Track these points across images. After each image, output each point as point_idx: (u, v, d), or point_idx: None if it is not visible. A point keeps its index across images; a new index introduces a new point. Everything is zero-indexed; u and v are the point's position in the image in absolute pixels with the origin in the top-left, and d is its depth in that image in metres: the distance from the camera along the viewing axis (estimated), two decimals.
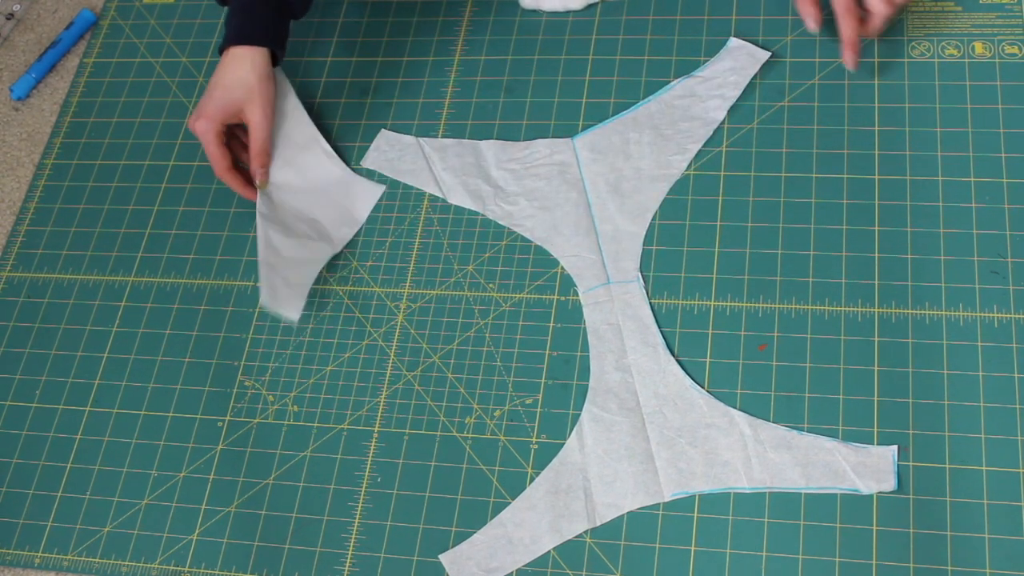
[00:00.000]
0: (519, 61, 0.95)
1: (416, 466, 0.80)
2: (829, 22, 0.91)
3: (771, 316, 0.80)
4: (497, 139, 0.92)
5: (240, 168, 0.90)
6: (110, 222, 0.95)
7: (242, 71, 0.85)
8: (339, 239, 0.89)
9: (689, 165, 0.87)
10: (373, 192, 0.91)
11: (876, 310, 0.79)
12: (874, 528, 0.72)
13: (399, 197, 0.91)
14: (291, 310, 0.83)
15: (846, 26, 0.84)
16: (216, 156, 0.87)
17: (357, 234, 0.90)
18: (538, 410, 0.80)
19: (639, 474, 0.76)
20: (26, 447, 0.86)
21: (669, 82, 0.91)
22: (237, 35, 0.86)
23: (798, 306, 0.80)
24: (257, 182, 0.88)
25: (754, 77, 0.89)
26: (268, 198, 0.89)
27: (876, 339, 0.78)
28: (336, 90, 0.97)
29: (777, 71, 0.90)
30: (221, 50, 0.87)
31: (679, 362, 0.80)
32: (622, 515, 0.75)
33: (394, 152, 0.93)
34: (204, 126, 0.86)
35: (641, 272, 0.83)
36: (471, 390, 0.82)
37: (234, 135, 0.90)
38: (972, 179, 0.83)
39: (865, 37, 0.87)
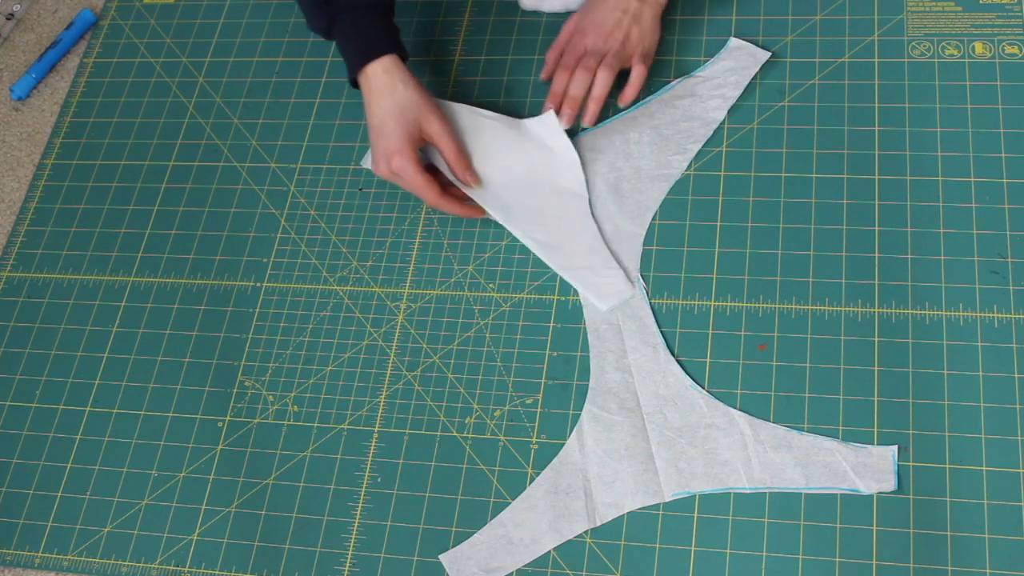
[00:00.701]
0: (519, 61, 0.95)
1: (416, 466, 0.80)
2: (828, 22, 0.91)
3: (771, 316, 0.80)
4: None
5: (449, 188, 0.86)
6: (110, 222, 0.95)
7: (398, 93, 0.81)
8: (574, 183, 0.87)
9: (689, 165, 0.87)
10: (548, 122, 0.88)
11: (876, 310, 0.79)
12: (874, 528, 0.72)
13: (399, 197, 0.91)
14: (623, 290, 0.82)
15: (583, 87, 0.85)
16: (424, 185, 0.82)
17: (357, 234, 0.90)
18: (538, 410, 0.80)
19: (639, 474, 0.76)
20: (26, 447, 0.86)
21: (669, 82, 0.91)
22: (367, 53, 0.82)
23: (798, 306, 0.80)
24: (472, 185, 0.85)
25: (754, 77, 0.89)
26: (492, 199, 0.85)
27: (876, 339, 0.78)
28: (336, 90, 0.97)
29: (777, 71, 0.90)
30: (354, 80, 0.84)
31: (679, 362, 0.79)
32: (622, 515, 0.75)
33: None
34: (401, 161, 0.81)
35: (641, 272, 0.83)
36: (471, 390, 0.82)
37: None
38: (972, 179, 0.82)
39: (623, 104, 0.88)
